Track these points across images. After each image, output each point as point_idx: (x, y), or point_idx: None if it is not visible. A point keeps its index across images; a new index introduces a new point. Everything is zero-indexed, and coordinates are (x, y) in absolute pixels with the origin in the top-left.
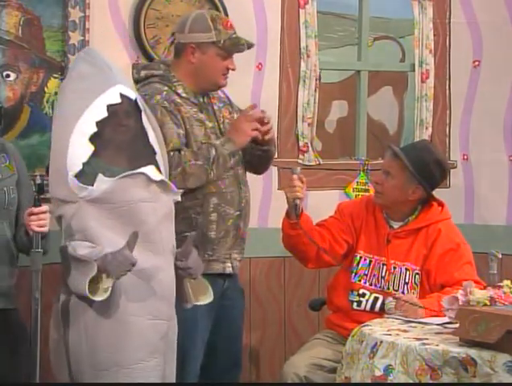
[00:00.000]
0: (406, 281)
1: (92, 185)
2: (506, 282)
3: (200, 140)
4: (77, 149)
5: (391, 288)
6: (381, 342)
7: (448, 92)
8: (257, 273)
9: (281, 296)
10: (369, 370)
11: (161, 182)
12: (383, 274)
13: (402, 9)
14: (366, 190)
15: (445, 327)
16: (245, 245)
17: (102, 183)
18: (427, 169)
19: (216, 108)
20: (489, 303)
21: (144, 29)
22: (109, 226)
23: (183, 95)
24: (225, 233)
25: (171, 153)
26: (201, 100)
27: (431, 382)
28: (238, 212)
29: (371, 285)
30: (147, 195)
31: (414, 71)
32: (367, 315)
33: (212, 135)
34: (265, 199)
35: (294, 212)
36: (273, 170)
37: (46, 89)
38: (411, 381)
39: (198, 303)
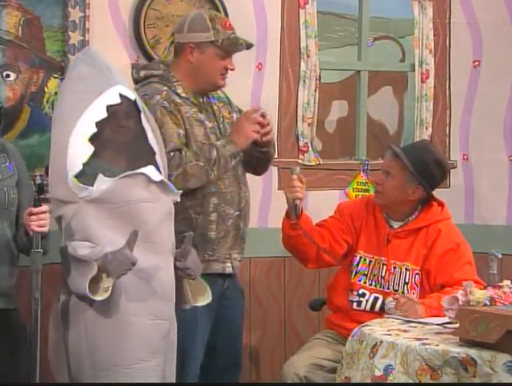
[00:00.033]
0: (406, 281)
1: (92, 185)
2: (506, 282)
3: (200, 140)
4: (77, 149)
5: (391, 288)
6: (381, 342)
7: (448, 92)
8: (257, 273)
9: (281, 296)
10: (369, 370)
11: (161, 183)
12: (383, 274)
13: (402, 9)
14: (366, 191)
15: (445, 327)
16: (245, 245)
17: (102, 183)
18: (427, 169)
19: (215, 108)
20: (488, 303)
21: (144, 29)
22: (109, 226)
23: (183, 95)
24: (225, 233)
25: (172, 154)
26: (201, 100)
27: (431, 382)
28: (238, 212)
29: (371, 285)
30: (147, 195)
31: (414, 71)
32: (367, 315)
33: (212, 135)
34: (265, 199)
35: (294, 212)
36: (273, 170)
37: (46, 89)
38: (411, 381)
39: (196, 304)
